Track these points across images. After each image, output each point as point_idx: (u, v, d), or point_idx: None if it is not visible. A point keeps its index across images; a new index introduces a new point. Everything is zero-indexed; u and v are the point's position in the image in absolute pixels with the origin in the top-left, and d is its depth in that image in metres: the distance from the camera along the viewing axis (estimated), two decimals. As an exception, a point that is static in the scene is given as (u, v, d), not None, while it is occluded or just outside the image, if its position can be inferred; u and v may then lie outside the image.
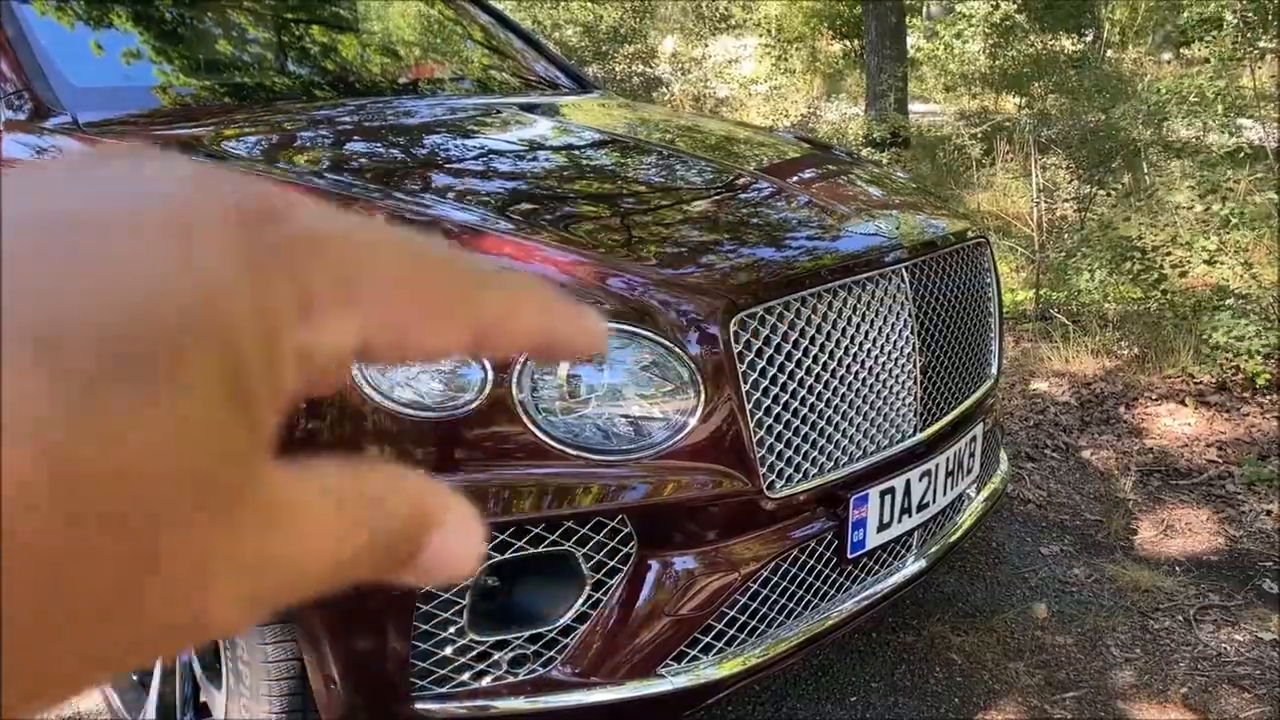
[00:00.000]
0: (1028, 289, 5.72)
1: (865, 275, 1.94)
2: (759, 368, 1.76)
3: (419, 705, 1.64)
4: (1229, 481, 3.47)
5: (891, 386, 1.99)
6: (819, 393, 1.85)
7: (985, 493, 2.45)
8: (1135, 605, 2.76)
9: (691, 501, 1.71)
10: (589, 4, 10.65)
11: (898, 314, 2.00)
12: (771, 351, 1.78)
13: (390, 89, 2.89)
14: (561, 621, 1.68)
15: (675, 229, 2.00)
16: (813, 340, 1.84)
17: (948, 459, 2.12)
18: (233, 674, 1.79)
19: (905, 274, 2.03)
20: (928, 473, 2.06)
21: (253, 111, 2.49)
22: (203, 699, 1.98)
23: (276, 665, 1.74)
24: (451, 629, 1.62)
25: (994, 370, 2.42)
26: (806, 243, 1.99)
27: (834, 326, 1.88)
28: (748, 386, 1.74)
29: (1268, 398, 4.06)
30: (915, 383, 2.04)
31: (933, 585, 2.86)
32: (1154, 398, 4.18)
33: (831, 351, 1.87)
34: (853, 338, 1.91)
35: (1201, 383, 4.25)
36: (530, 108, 2.87)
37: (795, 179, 2.34)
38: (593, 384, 1.65)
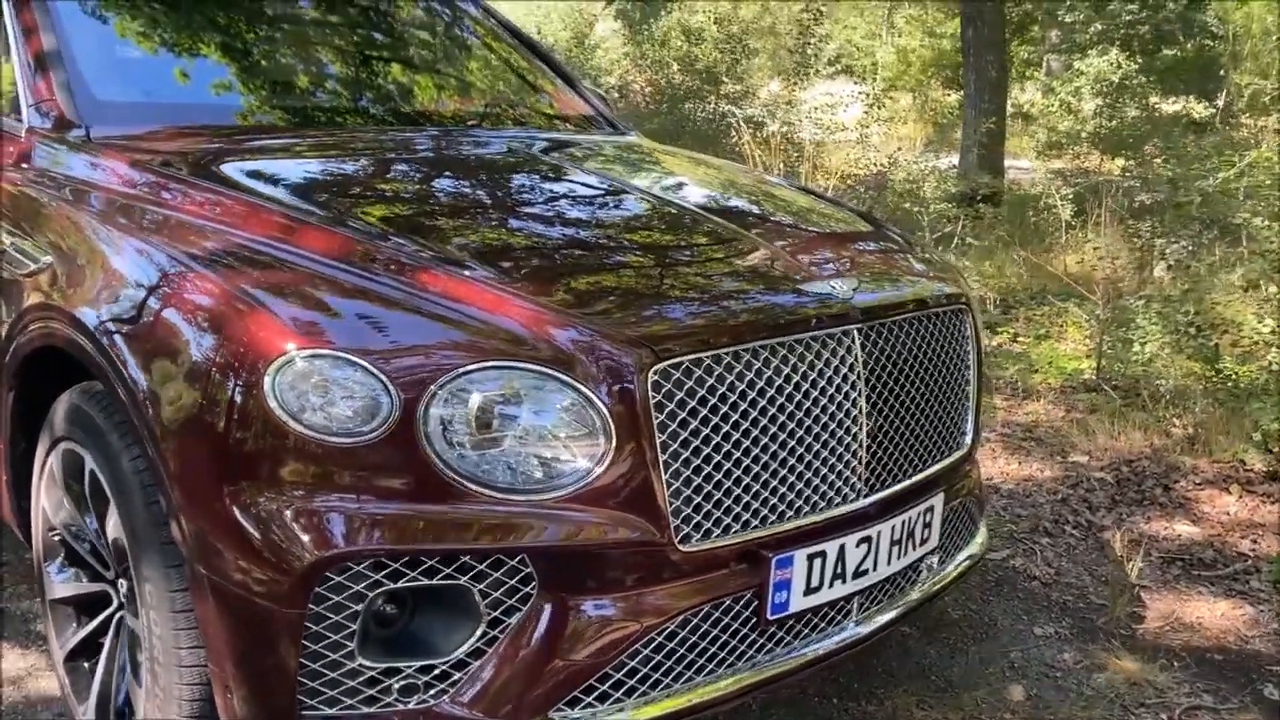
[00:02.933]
0: (1092, 358, 5.55)
1: (809, 334, 1.92)
2: (679, 419, 1.76)
3: (305, 724, 1.67)
4: (1255, 577, 3.30)
5: (832, 448, 1.95)
6: (745, 449, 1.83)
7: (954, 564, 2.38)
8: (1120, 697, 2.64)
9: (594, 547, 1.71)
10: (688, 43, 10.74)
11: (844, 376, 1.97)
12: (694, 404, 1.77)
13: (402, 117, 2.97)
14: (454, 656, 1.70)
15: (617, 275, 2.01)
16: (742, 395, 1.82)
17: (894, 527, 2.07)
18: (149, 673, 1.85)
19: (856, 336, 1.99)
20: (867, 539, 2.01)
21: (260, 135, 2.58)
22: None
23: (189, 670, 1.79)
24: (341, 652, 1.65)
25: (967, 440, 2.35)
26: (748, 299, 1.98)
27: (767, 383, 1.86)
28: (664, 437, 1.74)
29: (1319, 492, 3.85)
30: (861, 447, 2.00)
31: (910, 654, 2.78)
32: (1197, 481, 4.00)
33: (763, 408, 1.85)
34: (789, 396, 1.88)
35: (1252, 470, 4.06)
36: (539, 147, 2.90)
37: (768, 235, 2.32)
38: (504, 422, 1.67)
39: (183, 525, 1.70)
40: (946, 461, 2.26)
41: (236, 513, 1.63)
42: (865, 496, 2.03)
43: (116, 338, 1.83)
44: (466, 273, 1.83)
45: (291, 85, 2.86)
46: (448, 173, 2.58)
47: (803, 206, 2.69)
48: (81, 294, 1.95)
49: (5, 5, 2.61)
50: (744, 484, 1.84)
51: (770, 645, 1.94)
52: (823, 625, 2.02)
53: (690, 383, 1.77)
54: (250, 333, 1.66)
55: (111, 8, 2.74)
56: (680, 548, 1.77)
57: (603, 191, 2.50)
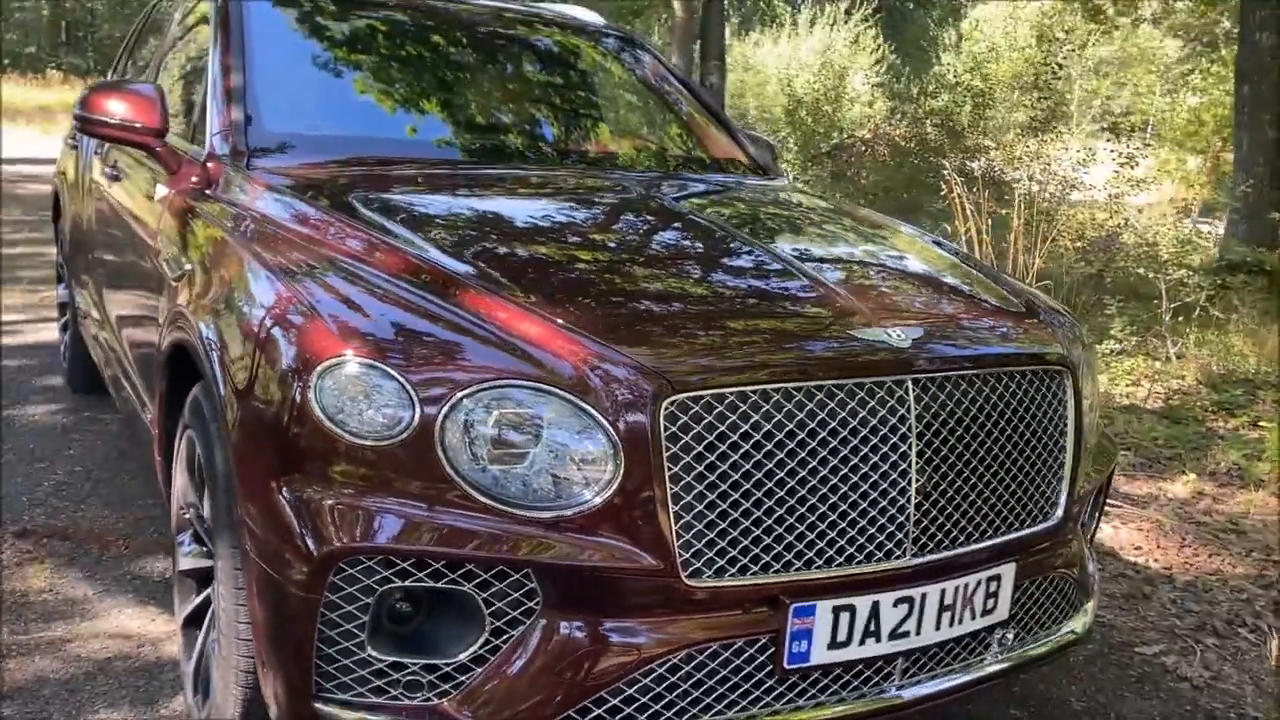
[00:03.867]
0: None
1: (852, 381, 1.88)
2: (694, 452, 1.76)
3: (318, 705, 1.78)
4: None
5: (873, 500, 1.89)
6: (769, 490, 1.81)
7: (1037, 643, 2.22)
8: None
9: (597, 570, 1.74)
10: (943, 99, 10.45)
11: (894, 428, 1.90)
12: (713, 439, 1.77)
13: (539, 154, 3.14)
14: (457, 660, 1.77)
15: (656, 307, 2.04)
16: (768, 435, 1.80)
17: (944, 591, 1.96)
18: (218, 644, 2.04)
19: (911, 387, 1.93)
20: (908, 600, 1.92)
21: (403, 167, 2.79)
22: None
23: (244, 643, 1.96)
24: (352, 641, 1.76)
25: (1057, 513, 2.19)
26: (788, 339, 1.95)
27: (799, 426, 1.82)
28: (676, 469, 1.75)
29: None
30: (909, 503, 1.92)
31: (1010, 739, 2.60)
32: None
33: (791, 451, 1.82)
34: (823, 441, 1.84)
35: None
36: (659, 187, 2.95)
37: (844, 282, 2.26)
38: (515, 439, 1.74)
39: (238, 509, 1.88)
40: (1024, 532, 2.12)
41: (274, 501, 1.79)
42: (914, 556, 1.94)
43: (213, 339, 2.06)
44: (505, 296, 1.92)
45: (444, 122, 3.09)
46: (551, 206, 2.70)
47: (915, 259, 2.61)
48: (199, 295, 2.20)
49: (213, 49, 2.98)
50: (765, 526, 1.81)
51: (790, 695, 1.89)
52: (855, 683, 1.94)
53: (710, 417, 1.78)
54: (303, 339, 1.82)
55: (297, 49, 3.08)
56: (688, 582, 1.77)
57: (691, 229, 2.54)
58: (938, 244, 2.81)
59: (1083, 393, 2.24)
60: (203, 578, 2.44)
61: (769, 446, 1.81)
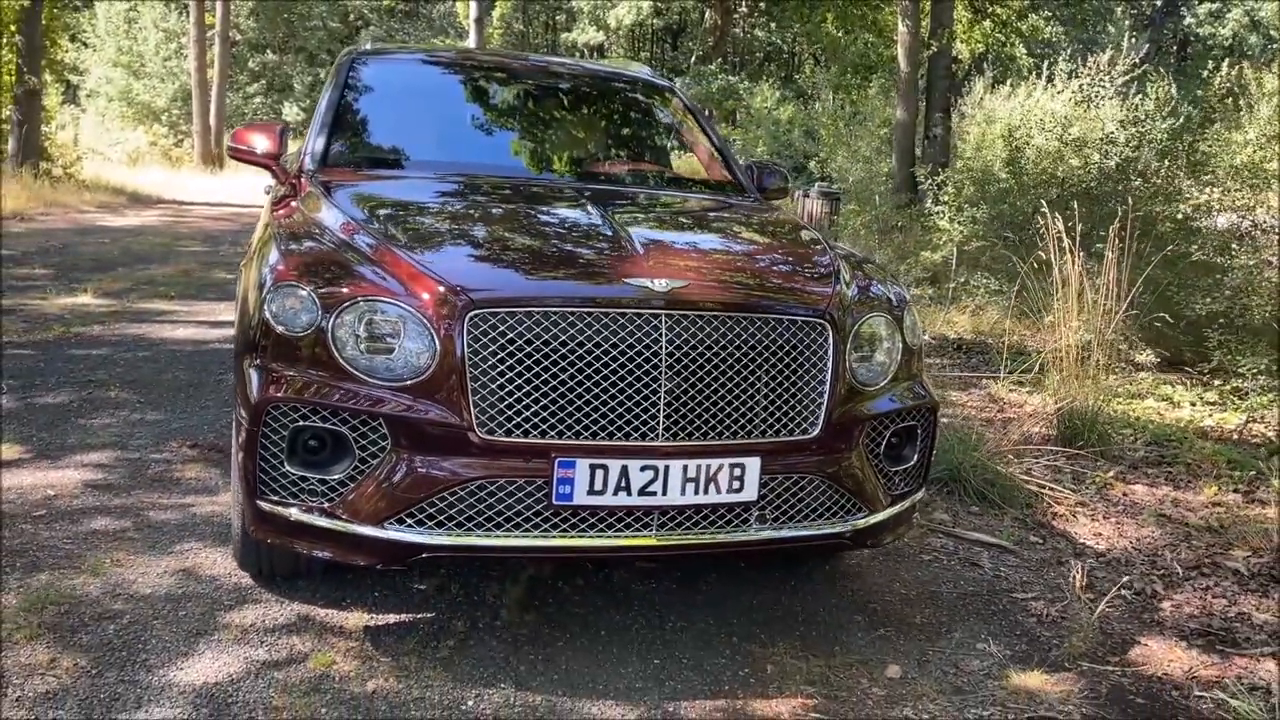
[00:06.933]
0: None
1: (616, 310, 2.69)
2: (490, 349, 2.64)
3: (259, 502, 2.80)
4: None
5: (629, 395, 2.68)
6: (544, 379, 2.65)
7: (793, 530, 2.89)
8: (987, 695, 2.88)
9: (421, 422, 2.66)
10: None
11: (648, 346, 2.69)
12: (503, 340, 2.64)
13: (518, 166, 4.18)
14: (338, 476, 2.73)
15: (493, 255, 2.97)
16: (545, 342, 2.65)
17: (686, 467, 2.71)
18: (233, 480, 3.12)
19: (665, 320, 2.71)
20: (653, 467, 2.69)
21: (401, 172, 3.91)
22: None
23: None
24: (277, 460, 2.76)
25: (813, 431, 2.86)
26: (573, 278, 2.83)
27: (569, 338, 2.66)
28: (475, 359, 2.64)
29: None
30: (660, 400, 2.70)
31: (841, 629, 3.21)
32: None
33: (563, 354, 2.65)
34: (588, 350, 2.66)
35: None
36: (598, 191, 3.84)
37: (652, 249, 3.05)
38: (376, 333, 2.70)
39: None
40: (775, 439, 2.81)
41: (244, 372, 2.85)
42: (665, 440, 2.71)
43: (240, 280, 3.17)
44: (398, 248, 2.90)
45: (456, 143, 4.20)
46: (493, 198, 3.68)
47: (752, 246, 3.46)
48: (249, 255, 3.34)
49: (322, 94, 4.19)
50: (542, 404, 2.66)
51: (561, 525, 2.70)
52: (618, 525, 2.72)
53: (502, 327, 2.65)
54: (270, 273, 2.87)
55: (380, 95, 4.27)
56: (481, 436, 2.64)
57: (582, 216, 3.41)
58: (816, 240, 3.52)
59: (844, 345, 2.92)
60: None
61: (546, 349, 2.66)
